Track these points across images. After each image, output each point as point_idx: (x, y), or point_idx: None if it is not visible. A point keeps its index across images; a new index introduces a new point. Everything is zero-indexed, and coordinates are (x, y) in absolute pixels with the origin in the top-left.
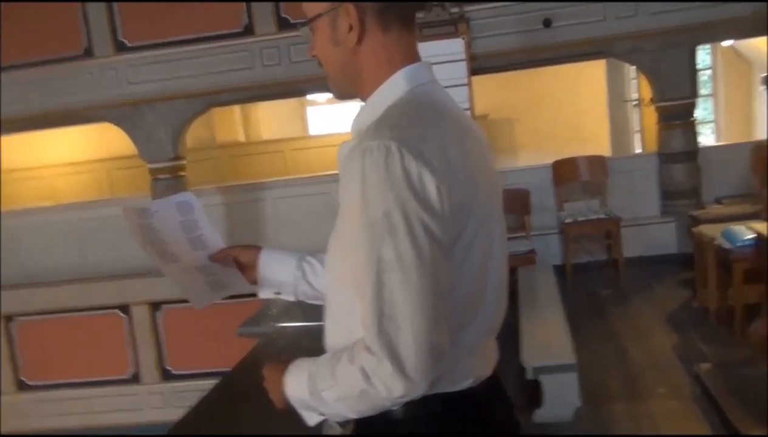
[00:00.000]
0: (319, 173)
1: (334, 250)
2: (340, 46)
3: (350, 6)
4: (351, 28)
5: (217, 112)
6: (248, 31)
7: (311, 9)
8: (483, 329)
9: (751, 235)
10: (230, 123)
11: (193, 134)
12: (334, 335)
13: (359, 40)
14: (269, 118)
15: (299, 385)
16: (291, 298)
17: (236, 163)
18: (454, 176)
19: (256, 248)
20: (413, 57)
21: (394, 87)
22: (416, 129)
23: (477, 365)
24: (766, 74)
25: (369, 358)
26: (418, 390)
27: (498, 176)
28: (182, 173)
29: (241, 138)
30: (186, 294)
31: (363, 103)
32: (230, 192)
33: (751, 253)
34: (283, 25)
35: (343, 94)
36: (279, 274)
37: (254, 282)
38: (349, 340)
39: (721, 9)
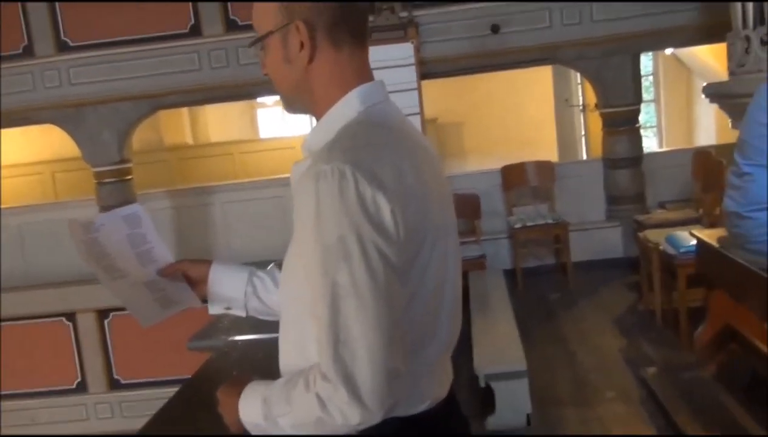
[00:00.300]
0: (270, 176)
1: (288, 272)
2: (291, 64)
3: (300, 23)
4: (302, 46)
5: (165, 114)
6: (195, 32)
7: (261, 26)
8: (440, 347)
9: (693, 242)
10: (178, 125)
11: (140, 136)
12: (289, 357)
13: (311, 59)
14: (218, 120)
15: (254, 410)
16: (241, 314)
17: (184, 165)
18: (408, 199)
19: (206, 262)
20: (366, 76)
21: (347, 107)
22: (370, 151)
23: (434, 386)
24: (706, 84)
25: (325, 386)
26: (375, 418)
27: (450, 193)
28: (128, 177)
29: (189, 140)
30: (133, 311)
31: (316, 123)
32: (178, 195)
33: (694, 259)
34: (231, 26)
35: (295, 111)
36: (229, 290)
37: (204, 297)
38: (304, 363)
39: (663, 18)
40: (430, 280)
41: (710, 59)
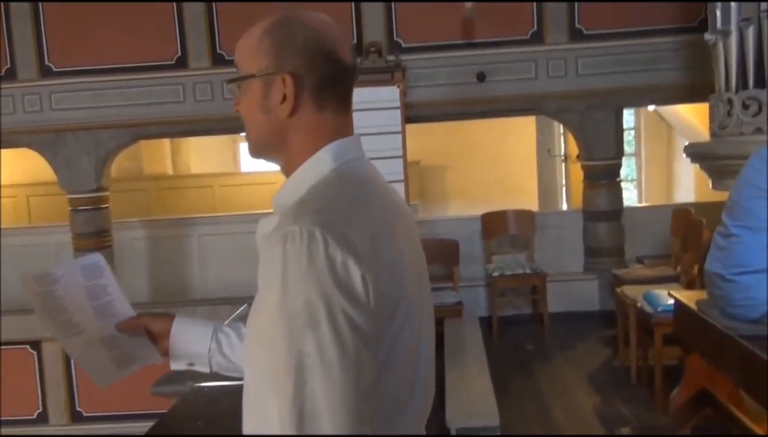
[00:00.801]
0: (250, 211)
1: (251, 335)
2: (268, 114)
3: (288, 77)
4: (284, 99)
5: (146, 143)
6: (181, 64)
7: (244, 64)
8: (415, 418)
9: (671, 301)
10: (159, 154)
11: (119, 164)
12: (251, 424)
13: (291, 114)
14: (200, 152)
15: None
16: (205, 370)
17: (163, 196)
18: (381, 263)
19: (168, 316)
20: (344, 132)
21: (319, 164)
22: (342, 212)
23: None
24: (688, 144)
25: None
26: None
27: (423, 257)
28: (104, 205)
29: (170, 170)
30: (88, 370)
31: (286, 179)
32: (155, 226)
33: (671, 319)
34: (218, 60)
35: (261, 157)
36: (193, 345)
37: (166, 353)
38: (266, 431)
39: (646, 75)
40: (404, 349)
41: (691, 117)
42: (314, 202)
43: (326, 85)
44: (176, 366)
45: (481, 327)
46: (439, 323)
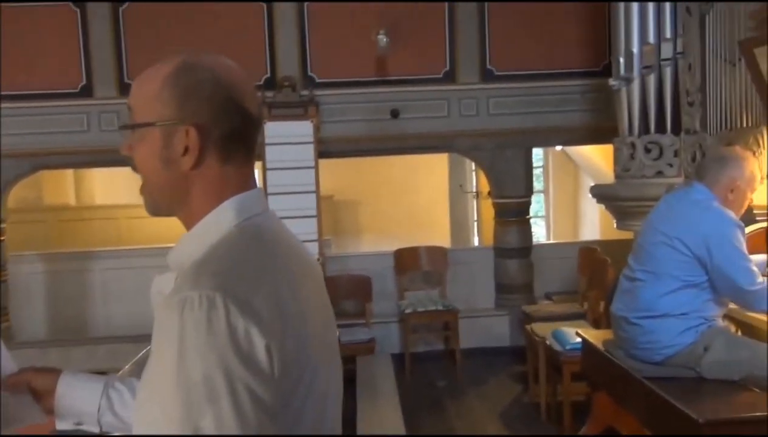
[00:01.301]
0: (158, 244)
1: (144, 405)
2: (167, 165)
3: (192, 129)
4: (186, 151)
5: (47, 171)
6: (86, 92)
7: (141, 109)
8: None
9: (578, 340)
10: (60, 184)
11: (17, 193)
12: None
13: (194, 167)
14: (105, 182)
15: None
16: (94, 430)
17: (64, 228)
18: (287, 330)
19: (54, 372)
20: (247, 185)
21: (220, 220)
22: (245, 276)
23: None
24: (593, 185)
25: None
26: None
27: (331, 311)
28: (0, 238)
29: (72, 201)
30: None
31: (184, 234)
32: (54, 259)
33: (579, 357)
34: (125, 89)
35: (157, 212)
36: (82, 403)
37: (51, 411)
38: None
39: (554, 117)
40: (310, 413)
41: (597, 158)
42: (215, 263)
43: (233, 137)
44: (62, 425)
45: (393, 364)
46: (352, 360)
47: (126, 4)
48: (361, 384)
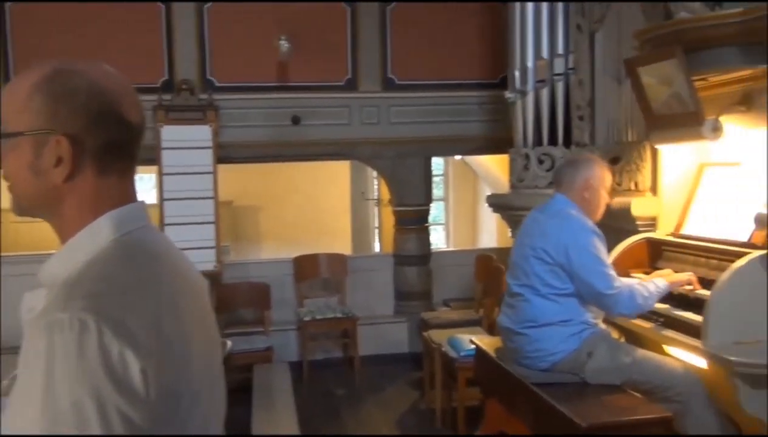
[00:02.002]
0: (47, 251)
1: (6, 427)
2: (39, 177)
3: (64, 140)
4: (59, 161)
5: None
6: None
7: (10, 119)
8: None
9: (472, 347)
10: None
11: None
12: None
13: (67, 179)
14: None
15: None
16: None
17: None
18: (165, 351)
19: None
20: (127, 198)
21: (98, 234)
22: (121, 296)
23: None
24: (489, 194)
25: None
26: None
27: (216, 329)
28: None
29: None
30: None
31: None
32: None
33: (473, 363)
34: None
35: (22, 215)
36: None
37: None
38: None
39: (452, 127)
40: (192, 431)
41: (494, 167)
42: (89, 282)
43: (110, 148)
44: None
45: (291, 372)
46: (248, 369)
47: (8, 4)
48: (257, 394)
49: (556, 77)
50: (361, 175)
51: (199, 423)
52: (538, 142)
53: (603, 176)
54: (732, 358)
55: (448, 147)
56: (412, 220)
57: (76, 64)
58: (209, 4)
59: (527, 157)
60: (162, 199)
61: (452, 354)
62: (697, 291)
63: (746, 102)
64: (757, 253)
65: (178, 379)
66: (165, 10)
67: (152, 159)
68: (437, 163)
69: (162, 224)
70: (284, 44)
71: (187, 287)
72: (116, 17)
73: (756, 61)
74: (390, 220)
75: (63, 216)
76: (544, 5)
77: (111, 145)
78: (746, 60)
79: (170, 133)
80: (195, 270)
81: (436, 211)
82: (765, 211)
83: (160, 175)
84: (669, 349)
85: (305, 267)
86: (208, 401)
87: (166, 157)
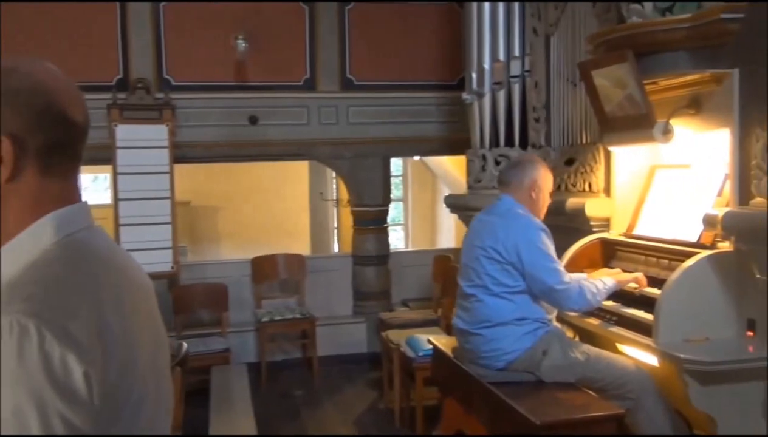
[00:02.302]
0: None
1: None
2: None
3: (6, 139)
4: (0, 162)
5: None
6: None
7: None
8: None
9: (430, 347)
10: None
11: None
12: None
13: (9, 179)
14: None
15: None
16: None
17: None
18: (110, 355)
19: None
20: (71, 198)
21: (38, 237)
22: (63, 298)
23: None
24: (447, 195)
25: None
26: None
27: (164, 331)
28: None
29: None
30: None
31: None
32: None
33: (430, 363)
34: None
35: None
36: None
37: None
38: None
39: (410, 127)
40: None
41: (452, 168)
42: (30, 285)
43: (54, 148)
44: None
45: (249, 374)
46: (206, 371)
47: None
48: (215, 396)
49: (512, 79)
50: (320, 175)
51: (145, 425)
52: (495, 143)
53: (547, 177)
54: (681, 356)
55: (406, 147)
56: (371, 221)
57: (18, 63)
58: (165, 2)
59: (484, 158)
60: (117, 199)
61: (410, 354)
62: (648, 290)
63: (695, 105)
64: (705, 253)
65: (122, 381)
66: (120, 8)
67: (107, 158)
68: (396, 164)
69: (117, 224)
70: (241, 43)
71: (131, 288)
72: (69, 14)
73: (704, 65)
74: (349, 221)
75: (5, 218)
76: (501, 8)
77: (54, 145)
78: (695, 64)
79: (125, 133)
80: (141, 271)
81: (395, 211)
82: (713, 212)
83: (115, 174)
84: (622, 347)
85: (263, 268)
86: (155, 402)
87: (121, 156)
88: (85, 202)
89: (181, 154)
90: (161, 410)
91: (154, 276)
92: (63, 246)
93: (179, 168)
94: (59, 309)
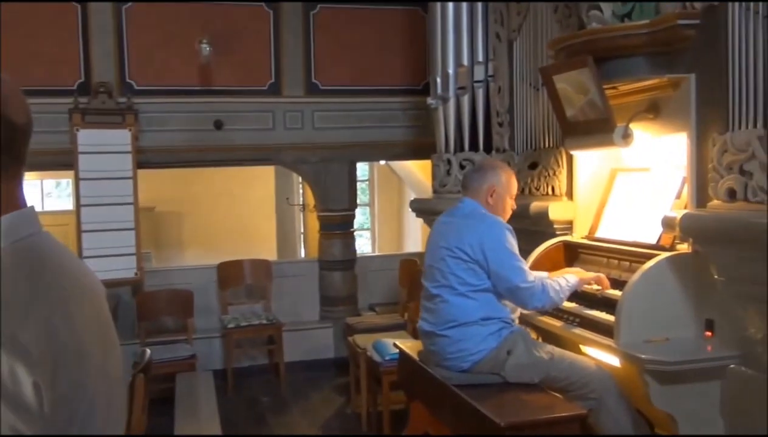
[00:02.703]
0: None
1: None
2: None
3: None
4: None
5: None
6: None
7: None
8: None
9: (396, 351)
10: None
11: None
12: None
13: None
14: None
15: None
16: None
17: None
18: (58, 359)
19: None
20: (15, 203)
21: None
22: (11, 308)
23: None
24: (412, 199)
25: None
26: None
27: (115, 337)
28: None
29: None
30: None
31: None
32: None
33: (396, 367)
34: None
35: None
36: None
37: None
38: None
39: (376, 132)
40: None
41: (418, 172)
42: None
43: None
44: None
45: (215, 381)
46: (171, 378)
47: None
48: (180, 403)
49: (476, 84)
50: (286, 180)
51: (96, 431)
52: (460, 147)
53: (508, 182)
54: (642, 356)
55: (372, 152)
56: (337, 225)
57: None
58: (128, 5)
59: (449, 162)
60: (79, 205)
61: (377, 358)
62: (609, 292)
63: (654, 110)
64: (664, 255)
65: (73, 388)
66: (81, 10)
67: (69, 163)
68: (362, 168)
69: (80, 231)
70: (205, 47)
71: (82, 294)
72: (29, 16)
73: (662, 70)
74: (315, 226)
75: None
76: (464, 13)
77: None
78: (653, 69)
79: (87, 137)
80: (92, 277)
81: (361, 216)
82: (672, 214)
83: (77, 179)
84: (585, 349)
85: (229, 274)
86: (106, 408)
87: (84, 161)
88: (32, 207)
89: (144, 159)
90: (114, 414)
91: (118, 283)
92: (11, 253)
93: (143, 173)
94: (8, 319)
